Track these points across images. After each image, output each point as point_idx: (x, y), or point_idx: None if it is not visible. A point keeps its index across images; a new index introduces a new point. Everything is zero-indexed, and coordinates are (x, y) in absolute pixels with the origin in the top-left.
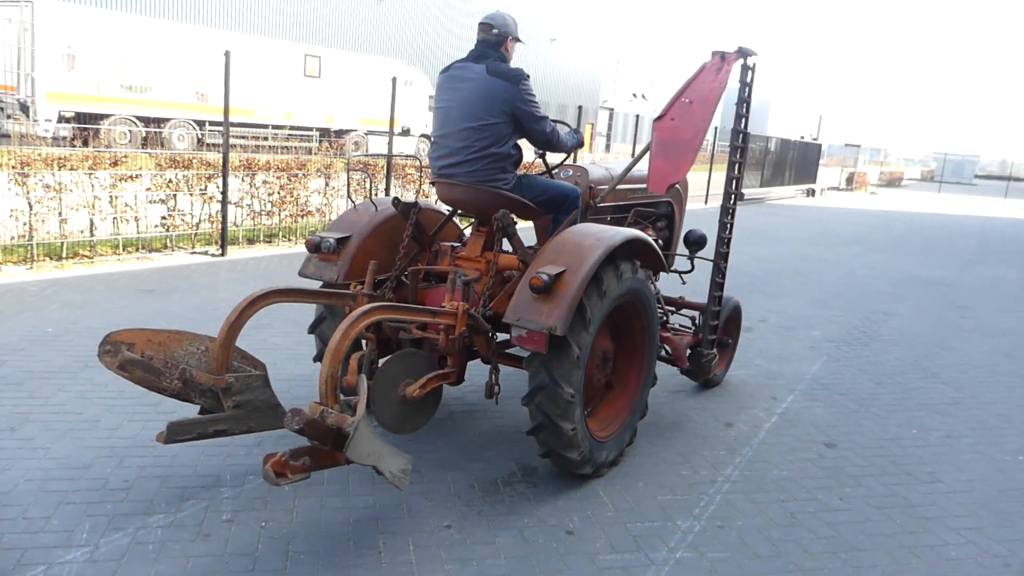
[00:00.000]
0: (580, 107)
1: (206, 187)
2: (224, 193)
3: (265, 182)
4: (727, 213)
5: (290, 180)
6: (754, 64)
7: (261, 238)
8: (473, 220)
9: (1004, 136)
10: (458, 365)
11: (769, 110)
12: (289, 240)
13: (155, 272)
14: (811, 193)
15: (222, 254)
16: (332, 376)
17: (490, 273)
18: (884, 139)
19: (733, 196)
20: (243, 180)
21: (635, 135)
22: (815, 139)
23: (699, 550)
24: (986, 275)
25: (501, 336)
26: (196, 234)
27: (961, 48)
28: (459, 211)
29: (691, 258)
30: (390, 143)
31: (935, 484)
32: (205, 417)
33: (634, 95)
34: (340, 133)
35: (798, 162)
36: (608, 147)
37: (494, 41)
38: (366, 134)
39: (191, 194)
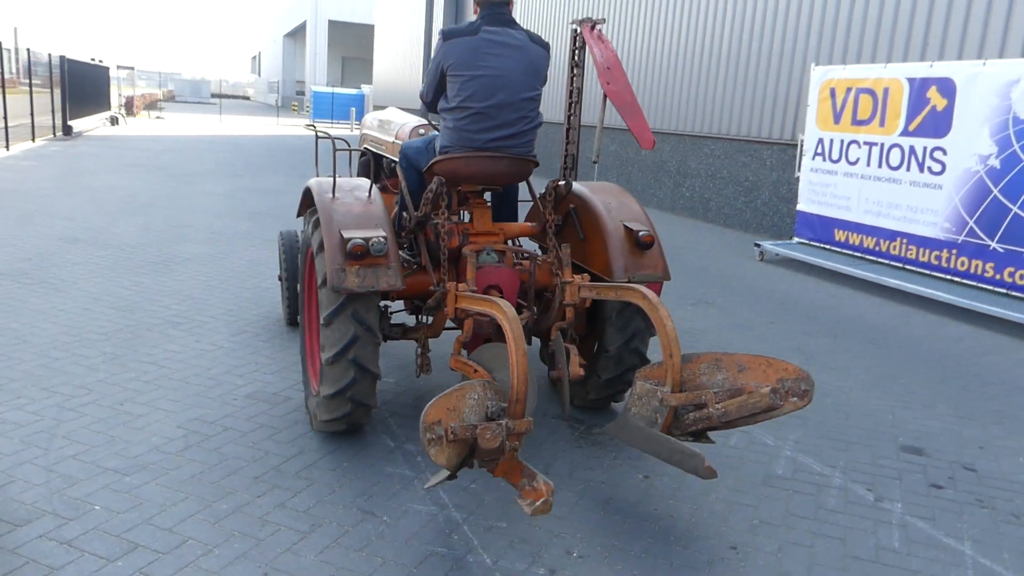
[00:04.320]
0: None
1: None
2: None
3: None
4: None
5: None
6: None
7: None
8: (473, 191)
9: (198, 55)
10: None
11: None
12: None
13: None
14: (115, 121)
15: None
16: None
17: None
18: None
19: None
20: None
21: None
22: (99, 60)
23: None
24: None
25: None
26: None
27: None
28: (478, 185)
29: None
30: None
31: None
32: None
33: None
34: None
35: (91, 87)
36: None
37: (505, 1)
38: None
39: None
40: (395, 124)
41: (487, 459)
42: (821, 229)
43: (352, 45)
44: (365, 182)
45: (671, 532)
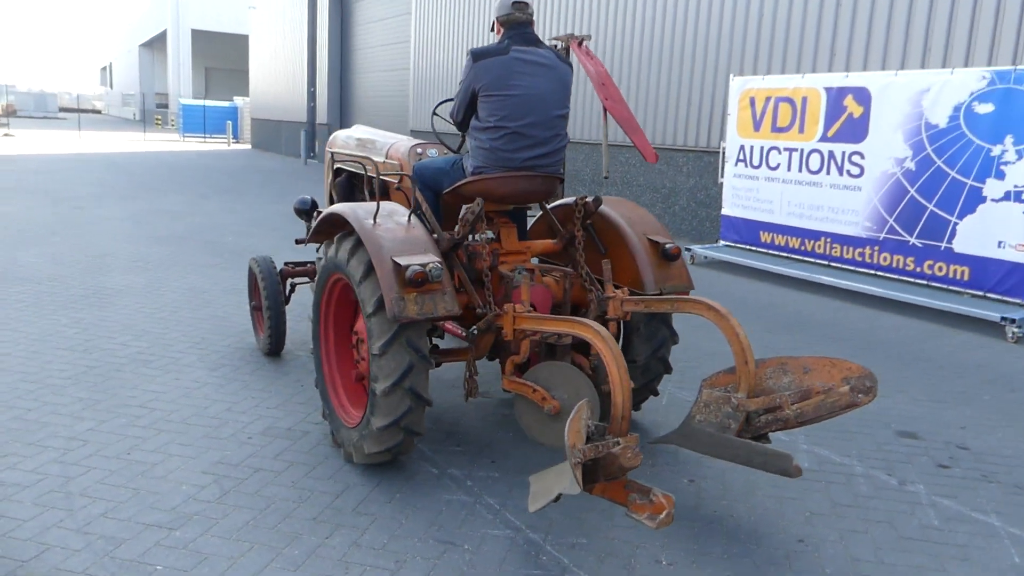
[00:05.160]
0: None
1: None
2: None
3: None
4: None
5: None
6: None
7: None
8: (498, 211)
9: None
10: None
11: None
12: None
13: None
14: None
15: None
16: None
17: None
18: None
19: None
20: None
21: None
22: None
23: None
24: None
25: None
26: None
27: None
28: (509, 204)
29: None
30: None
31: None
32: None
33: None
34: None
35: None
36: None
37: (529, 21)
38: None
39: None
40: (381, 143)
41: (611, 476)
42: (746, 231)
43: (217, 56)
44: (398, 207)
45: (739, 532)
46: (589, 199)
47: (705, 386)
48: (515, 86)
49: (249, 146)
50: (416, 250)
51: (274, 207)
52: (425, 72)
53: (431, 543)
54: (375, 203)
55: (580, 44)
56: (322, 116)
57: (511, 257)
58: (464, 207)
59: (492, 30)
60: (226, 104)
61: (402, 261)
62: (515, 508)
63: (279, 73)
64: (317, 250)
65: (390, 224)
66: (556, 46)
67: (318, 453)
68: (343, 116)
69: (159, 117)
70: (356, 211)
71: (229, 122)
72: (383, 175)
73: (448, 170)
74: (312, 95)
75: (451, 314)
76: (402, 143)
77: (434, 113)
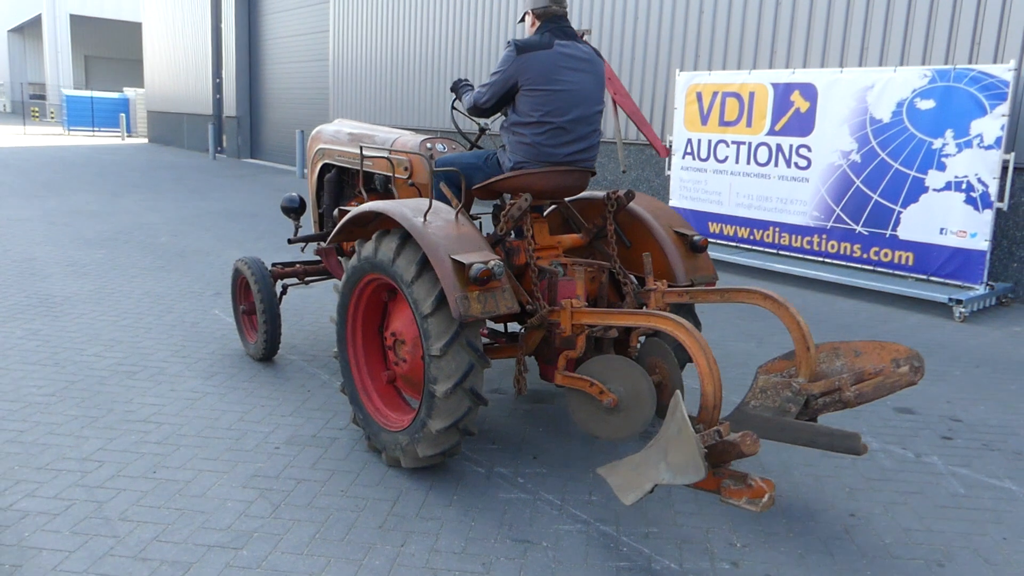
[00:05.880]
0: None
1: None
2: None
3: None
4: None
5: None
6: None
7: None
8: (537, 206)
9: None
10: None
11: None
12: None
13: None
14: None
15: None
16: None
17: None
18: None
19: None
20: None
21: None
22: None
23: None
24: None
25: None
26: None
27: None
28: (546, 199)
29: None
30: None
31: None
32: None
33: None
34: None
35: None
36: None
37: (566, 14)
38: None
39: None
40: (381, 138)
41: (719, 464)
42: (695, 222)
43: (99, 44)
44: (439, 204)
45: (793, 510)
46: (621, 193)
47: (761, 372)
48: (560, 81)
49: (146, 140)
50: (471, 248)
51: (199, 205)
52: (346, 63)
53: (508, 543)
54: (421, 200)
55: (581, 37)
56: (230, 108)
57: (543, 252)
58: (508, 203)
59: (520, 21)
60: (116, 95)
61: (465, 259)
62: (576, 502)
63: (179, 63)
64: (302, 249)
65: (437, 221)
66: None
67: (356, 459)
68: (253, 108)
69: (36, 109)
70: (403, 209)
71: (122, 115)
72: (377, 172)
73: (481, 165)
74: (218, 86)
75: (511, 311)
76: (407, 138)
77: (453, 108)
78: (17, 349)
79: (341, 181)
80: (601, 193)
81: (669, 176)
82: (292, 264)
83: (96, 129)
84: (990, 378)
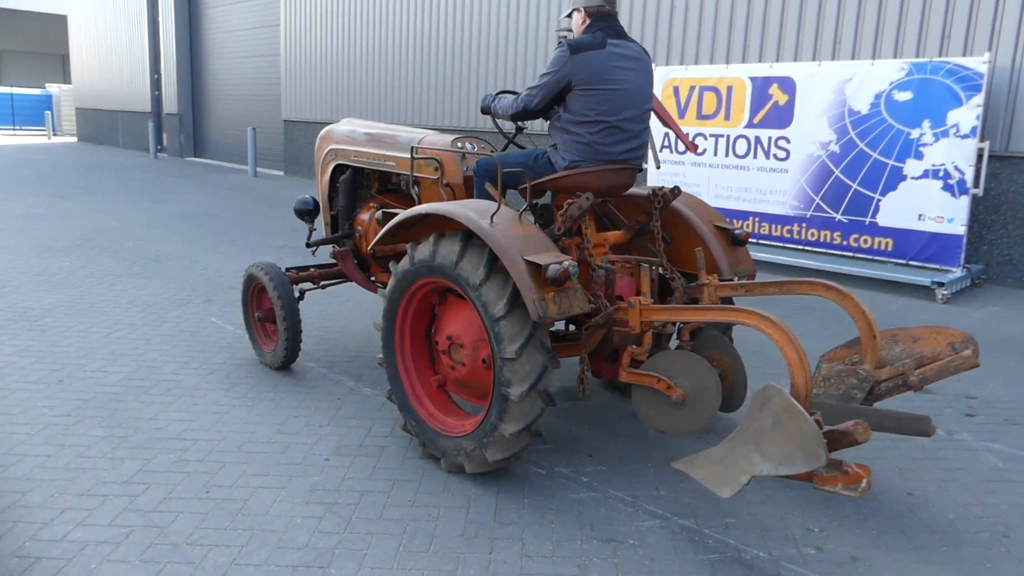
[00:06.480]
0: None
1: None
2: None
3: None
4: None
5: None
6: None
7: None
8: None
9: None
10: None
11: None
12: None
13: None
14: None
15: None
16: None
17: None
18: None
19: None
20: None
21: None
22: None
23: None
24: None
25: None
26: None
27: None
28: (600, 197)
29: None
30: None
31: None
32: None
33: None
34: None
35: None
36: None
37: (616, 13)
38: None
39: None
40: (404, 137)
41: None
42: None
43: (13, 37)
44: (500, 206)
45: None
46: (667, 189)
47: (824, 361)
48: (614, 80)
49: (75, 139)
50: (541, 248)
51: (153, 207)
52: (299, 59)
53: (595, 543)
54: (479, 201)
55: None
56: (171, 105)
57: (594, 250)
58: (567, 202)
59: (567, 17)
60: (38, 92)
61: (541, 260)
62: (646, 497)
63: (112, 58)
64: (313, 253)
65: (505, 224)
66: (562, 39)
67: (412, 467)
68: (196, 105)
69: None
70: (467, 211)
71: (47, 112)
72: (400, 172)
73: (531, 164)
74: (157, 82)
75: (584, 311)
76: (433, 137)
77: (483, 112)
78: (13, 367)
79: (357, 183)
80: (642, 190)
81: (646, 169)
82: (306, 268)
83: (17, 128)
84: (988, 356)
